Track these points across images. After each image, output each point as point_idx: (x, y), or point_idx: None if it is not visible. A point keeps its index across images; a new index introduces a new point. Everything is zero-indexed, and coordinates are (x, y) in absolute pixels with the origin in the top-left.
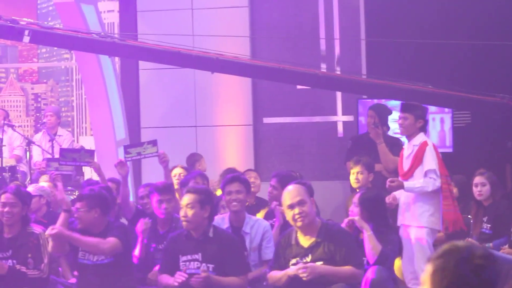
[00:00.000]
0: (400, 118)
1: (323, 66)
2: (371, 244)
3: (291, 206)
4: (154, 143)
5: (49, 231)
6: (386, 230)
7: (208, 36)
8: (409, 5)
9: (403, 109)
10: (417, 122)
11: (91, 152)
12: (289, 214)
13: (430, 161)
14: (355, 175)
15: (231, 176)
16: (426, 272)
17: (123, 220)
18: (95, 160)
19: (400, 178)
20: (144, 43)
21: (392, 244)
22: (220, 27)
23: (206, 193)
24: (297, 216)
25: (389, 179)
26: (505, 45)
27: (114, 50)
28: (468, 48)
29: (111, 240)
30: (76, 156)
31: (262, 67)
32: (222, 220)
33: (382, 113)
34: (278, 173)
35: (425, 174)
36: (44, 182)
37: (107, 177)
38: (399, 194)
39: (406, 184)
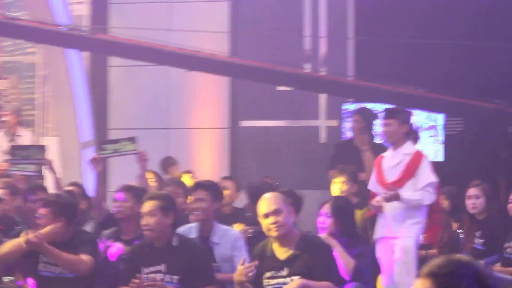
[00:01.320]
0: (384, 125)
1: (307, 66)
2: (344, 261)
3: (266, 215)
4: (132, 140)
5: (29, 237)
6: (357, 242)
7: (185, 31)
8: (401, 3)
9: (387, 115)
10: (401, 127)
11: (41, 148)
12: (264, 224)
13: (429, 174)
14: (339, 185)
15: (194, 184)
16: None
17: (90, 225)
18: (60, 159)
19: (382, 188)
20: (115, 37)
21: (365, 256)
22: (198, 22)
23: (167, 198)
24: (271, 226)
25: (383, 192)
26: (502, 47)
27: (83, 44)
28: (463, 49)
29: (87, 260)
30: (26, 154)
31: (241, 65)
32: (189, 229)
33: (369, 118)
34: (250, 186)
35: (423, 187)
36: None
37: (72, 181)
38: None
39: (403, 195)
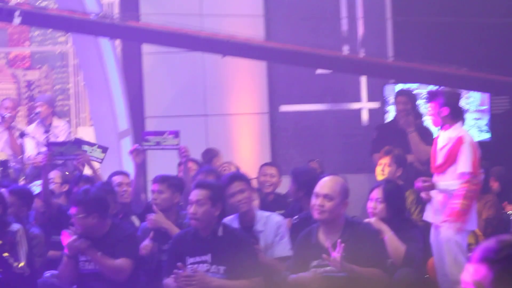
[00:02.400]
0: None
1: (346, 48)
2: (394, 246)
3: (316, 195)
4: (176, 134)
5: (75, 240)
6: (406, 226)
7: (218, 16)
8: None
9: (427, 100)
10: (440, 111)
11: (78, 144)
12: (312, 201)
13: (465, 163)
14: (382, 166)
15: (229, 177)
16: (480, 276)
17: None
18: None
19: (432, 171)
20: (147, 24)
21: (416, 241)
22: (231, 6)
23: (218, 188)
24: (316, 207)
25: (422, 179)
26: None
27: (115, 32)
28: (508, 27)
29: (126, 266)
30: (63, 150)
31: (278, 49)
32: (230, 222)
33: (412, 99)
34: (295, 171)
35: (459, 176)
36: None
37: (110, 172)
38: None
39: (439, 185)
